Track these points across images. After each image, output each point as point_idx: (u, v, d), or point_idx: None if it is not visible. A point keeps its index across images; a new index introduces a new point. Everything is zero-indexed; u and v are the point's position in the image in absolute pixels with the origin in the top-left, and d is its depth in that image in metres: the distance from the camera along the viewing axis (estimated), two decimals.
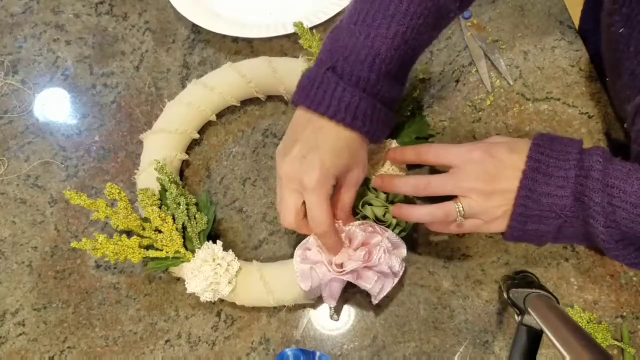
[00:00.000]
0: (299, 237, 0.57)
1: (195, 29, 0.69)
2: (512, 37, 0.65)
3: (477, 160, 0.44)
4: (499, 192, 0.44)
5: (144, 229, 0.53)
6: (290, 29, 0.65)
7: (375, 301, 0.51)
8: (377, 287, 0.50)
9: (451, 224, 0.47)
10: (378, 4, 0.45)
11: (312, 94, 0.46)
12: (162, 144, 0.59)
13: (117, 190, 0.53)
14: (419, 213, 0.48)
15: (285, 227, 0.49)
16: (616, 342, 0.52)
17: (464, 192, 0.45)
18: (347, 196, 0.49)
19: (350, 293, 0.56)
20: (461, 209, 0.45)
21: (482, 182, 0.44)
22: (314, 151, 0.45)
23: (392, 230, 0.52)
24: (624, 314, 0.53)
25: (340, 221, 0.50)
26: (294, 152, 0.46)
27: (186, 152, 0.62)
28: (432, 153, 0.48)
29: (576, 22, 0.66)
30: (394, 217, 0.51)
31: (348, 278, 0.49)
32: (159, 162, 0.54)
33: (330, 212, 0.46)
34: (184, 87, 0.66)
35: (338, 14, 0.66)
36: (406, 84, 0.51)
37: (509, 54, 0.64)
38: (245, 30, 0.66)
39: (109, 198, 0.53)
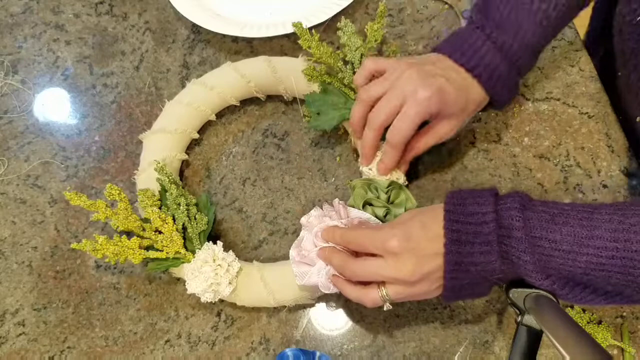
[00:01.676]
0: None
1: (195, 29, 0.69)
2: None
3: (395, 251, 0.42)
4: (425, 277, 0.42)
5: (144, 229, 0.53)
6: (290, 29, 0.65)
7: None
8: None
9: (382, 306, 0.45)
10: None
11: (457, 45, 0.50)
12: (161, 144, 0.59)
13: (117, 191, 0.53)
14: (349, 293, 0.46)
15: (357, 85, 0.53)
16: (616, 342, 0.52)
17: (391, 281, 0.43)
18: (423, 142, 0.52)
19: None
20: (385, 295, 0.44)
21: (405, 274, 0.42)
22: (442, 77, 0.48)
23: None
24: (624, 314, 0.53)
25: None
26: (427, 65, 0.49)
27: (186, 152, 0.62)
28: (353, 242, 0.46)
29: (576, 19, 0.66)
30: (332, 282, 0.49)
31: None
32: (159, 163, 0.54)
33: (414, 129, 0.48)
34: (184, 87, 0.66)
35: (338, 13, 0.66)
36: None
37: None
38: (245, 30, 0.66)
39: (109, 199, 0.53)
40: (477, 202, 0.41)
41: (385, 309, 0.45)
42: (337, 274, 0.48)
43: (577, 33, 0.64)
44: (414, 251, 0.42)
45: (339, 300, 0.55)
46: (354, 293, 0.46)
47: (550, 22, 0.50)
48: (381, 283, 0.44)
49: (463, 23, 0.66)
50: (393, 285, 0.43)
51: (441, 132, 0.51)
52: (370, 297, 0.45)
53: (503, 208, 0.40)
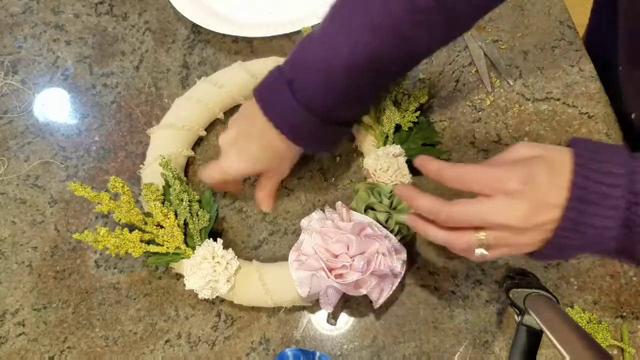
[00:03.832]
0: None
1: (195, 29, 0.69)
2: (512, 37, 0.65)
3: (512, 193, 0.37)
4: (535, 227, 0.37)
5: (146, 223, 0.53)
6: (290, 29, 0.65)
7: (376, 306, 0.51)
8: (375, 292, 0.50)
9: (472, 252, 0.40)
10: (343, 20, 0.45)
11: (267, 96, 0.48)
12: (168, 140, 0.59)
13: (121, 184, 0.53)
14: (435, 235, 0.41)
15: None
16: (616, 342, 0.52)
17: (494, 227, 0.38)
18: (268, 182, 0.55)
19: None
20: (484, 240, 0.38)
21: (517, 220, 0.37)
22: (240, 146, 0.51)
23: (395, 236, 0.51)
24: (624, 314, 0.53)
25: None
26: (230, 134, 0.52)
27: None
28: (455, 178, 0.40)
29: (576, 19, 0.66)
30: (408, 224, 0.45)
31: (346, 290, 0.49)
32: (164, 158, 0.54)
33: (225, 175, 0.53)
34: (184, 87, 0.66)
35: None
36: (378, 100, 0.54)
37: (509, 54, 0.64)
38: (245, 30, 0.66)
39: (112, 191, 0.53)
40: (612, 160, 0.37)
41: (477, 254, 0.39)
42: (416, 216, 0.43)
43: (577, 33, 0.64)
44: (532, 197, 0.37)
45: (338, 303, 0.55)
46: (441, 235, 0.41)
47: (371, 67, 0.44)
48: (480, 228, 0.39)
49: None
50: (496, 231, 0.38)
51: (276, 175, 0.55)
52: (464, 239, 0.39)
53: (637, 172, 0.36)
